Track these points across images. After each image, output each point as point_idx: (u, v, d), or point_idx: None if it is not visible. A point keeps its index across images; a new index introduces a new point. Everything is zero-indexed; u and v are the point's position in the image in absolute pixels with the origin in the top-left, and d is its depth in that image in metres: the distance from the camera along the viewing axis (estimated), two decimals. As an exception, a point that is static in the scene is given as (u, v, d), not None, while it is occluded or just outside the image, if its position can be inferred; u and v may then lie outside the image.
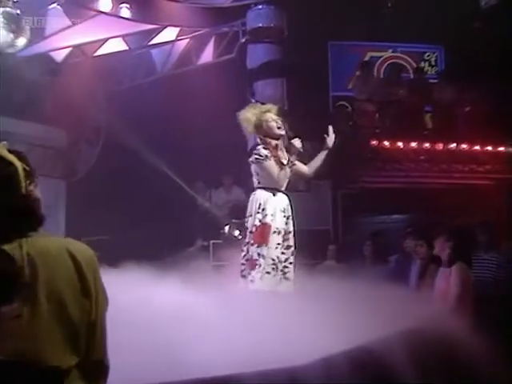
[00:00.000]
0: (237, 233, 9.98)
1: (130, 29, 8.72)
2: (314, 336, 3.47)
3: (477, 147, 9.76)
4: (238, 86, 8.82)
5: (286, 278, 4.82)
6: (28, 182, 1.74)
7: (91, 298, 1.70)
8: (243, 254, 4.88)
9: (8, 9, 7.28)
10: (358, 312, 4.18)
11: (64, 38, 8.58)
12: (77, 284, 1.68)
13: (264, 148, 4.92)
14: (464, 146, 9.73)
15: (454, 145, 9.71)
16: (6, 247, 1.60)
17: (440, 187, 9.48)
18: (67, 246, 1.71)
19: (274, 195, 4.92)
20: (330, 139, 5.13)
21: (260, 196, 4.92)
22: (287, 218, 4.92)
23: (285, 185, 5.04)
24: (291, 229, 4.94)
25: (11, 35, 7.33)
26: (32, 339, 1.57)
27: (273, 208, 4.85)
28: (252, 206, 4.92)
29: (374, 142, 9.67)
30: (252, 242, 4.83)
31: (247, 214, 4.97)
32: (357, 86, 10.26)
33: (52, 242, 1.71)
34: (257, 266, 4.74)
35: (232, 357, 3.09)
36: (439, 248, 5.57)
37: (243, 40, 8.90)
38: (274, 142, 4.96)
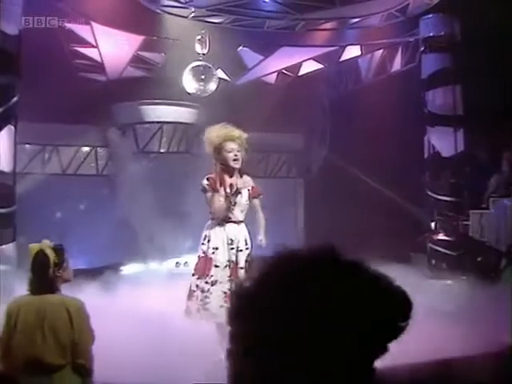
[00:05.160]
0: (433, 226, 10.20)
1: (314, 52, 9.76)
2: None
3: None
4: (415, 95, 9.02)
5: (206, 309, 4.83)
6: (57, 267, 3.13)
7: (75, 330, 3.12)
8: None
9: (196, 63, 9.05)
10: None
11: (264, 68, 10.06)
12: (67, 322, 3.15)
13: (207, 179, 4.85)
14: None
15: None
16: (38, 297, 3.20)
17: None
18: (63, 300, 3.18)
19: (220, 226, 4.83)
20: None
21: (207, 226, 4.93)
22: (236, 250, 4.81)
23: (236, 215, 4.87)
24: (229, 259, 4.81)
25: (201, 84, 9.10)
26: (39, 350, 3.12)
27: (219, 240, 4.81)
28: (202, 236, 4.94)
29: None
30: (193, 272, 4.90)
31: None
32: None
33: (56, 298, 3.16)
34: (193, 298, 4.80)
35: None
36: None
37: (422, 48, 8.99)
38: (221, 174, 4.84)
